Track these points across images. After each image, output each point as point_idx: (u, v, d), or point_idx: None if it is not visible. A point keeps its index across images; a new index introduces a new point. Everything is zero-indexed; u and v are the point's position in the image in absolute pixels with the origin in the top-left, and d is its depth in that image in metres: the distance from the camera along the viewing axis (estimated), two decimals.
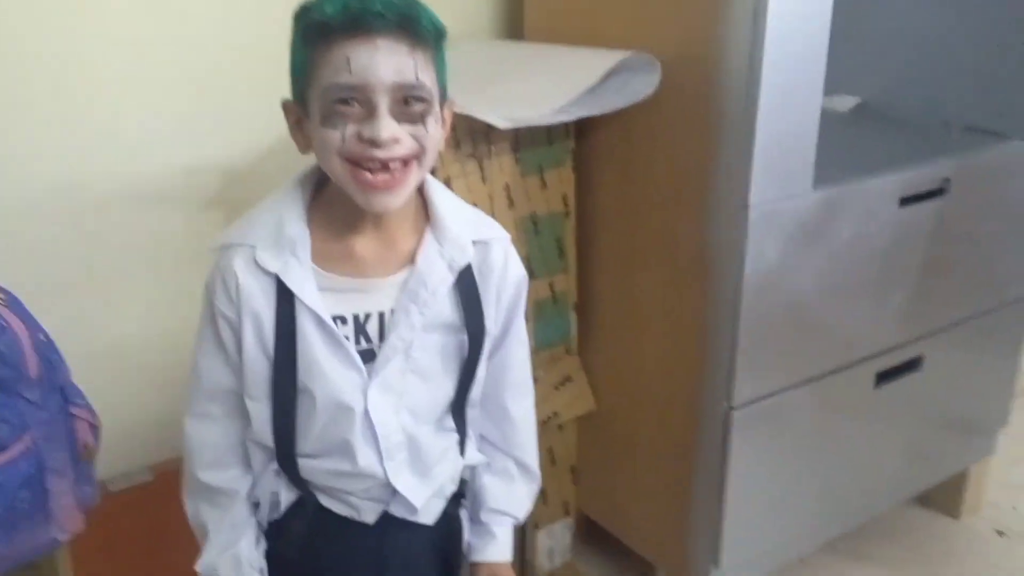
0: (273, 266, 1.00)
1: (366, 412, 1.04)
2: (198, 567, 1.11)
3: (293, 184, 1.05)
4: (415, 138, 0.95)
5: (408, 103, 0.93)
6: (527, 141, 1.69)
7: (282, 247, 1.00)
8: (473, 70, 1.59)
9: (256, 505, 1.13)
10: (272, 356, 1.02)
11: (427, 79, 0.94)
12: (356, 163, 0.94)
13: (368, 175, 0.94)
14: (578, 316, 1.87)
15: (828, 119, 1.55)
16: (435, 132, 0.97)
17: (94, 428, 1.36)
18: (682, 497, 1.75)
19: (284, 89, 1.69)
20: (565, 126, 1.73)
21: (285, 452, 1.07)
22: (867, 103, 2.13)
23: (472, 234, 1.06)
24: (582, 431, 1.97)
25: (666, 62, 1.53)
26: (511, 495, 1.21)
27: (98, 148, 1.56)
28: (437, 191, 1.07)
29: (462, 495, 1.19)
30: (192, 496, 1.13)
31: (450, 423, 1.13)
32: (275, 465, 1.09)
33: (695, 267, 1.61)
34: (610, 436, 1.90)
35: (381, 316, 1.03)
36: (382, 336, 1.04)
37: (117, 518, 1.56)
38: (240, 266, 1.01)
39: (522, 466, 1.22)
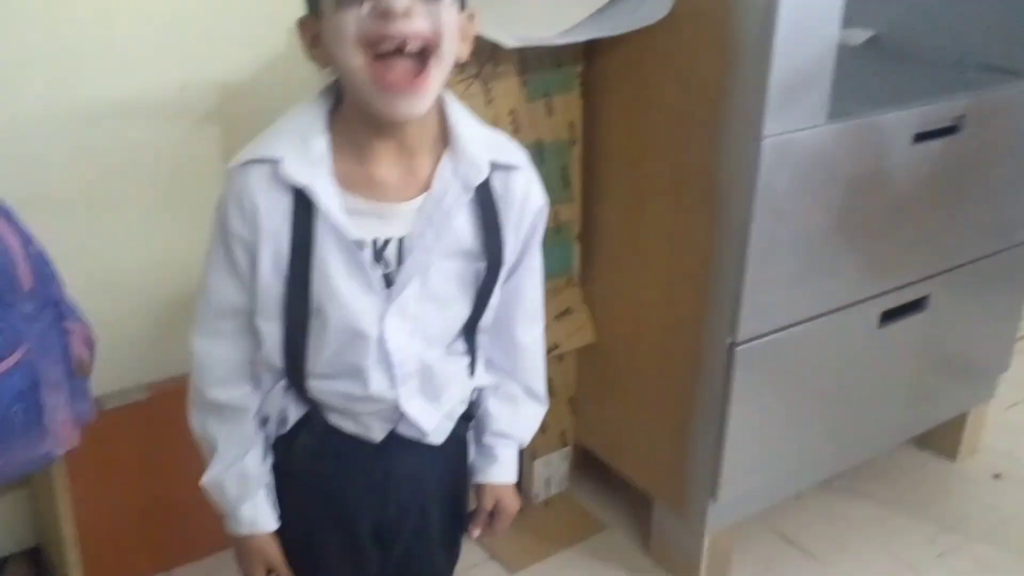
0: (303, 179, 0.95)
1: (381, 338, 1.02)
2: (204, 481, 1.09)
3: (311, 101, 1.01)
4: (430, 18, 0.91)
5: None
6: (534, 64, 1.65)
7: (308, 160, 0.96)
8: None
9: (264, 421, 1.11)
10: (286, 276, 0.99)
11: None
12: (373, 48, 0.90)
13: (388, 73, 0.90)
14: (581, 246, 1.85)
15: (841, 52, 1.51)
16: (451, 22, 0.93)
17: (89, 342, 1.35)
18: (681, 430, 1.75)
19: (280, 3, 1.65)
20: (573, 49, 1.68)
21: (295, 373, 1.05)
22: (880, 37, 2.08)
23: (490, 155, 1.02)
24: (582, 362, 1.96)
25: None
26: (515, 418, 1.19)
27: (89, 60, 1.52)
28: (456, 111, 1.03)
29: (470, 416, 1.18)
30: (199, 412, 1.10)
31: (461, 346, 1.11)
32: (284, 382, 1.07)
33: (703, 198, 1.58)
34: (610, 368, 1.89)
35: (400, 242, 1.01)
36: (400, 262, 1.01)
37: (113, 435, 1.56)
38: (256, 185, 0.97)
39: (529, 390, 1.20)
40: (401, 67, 0.91)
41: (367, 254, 0.99)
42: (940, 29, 1.98)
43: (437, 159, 1.01)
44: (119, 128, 1.57)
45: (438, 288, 1.03)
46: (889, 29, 2.07)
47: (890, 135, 1.66)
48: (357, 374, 1.03)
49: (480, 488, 1.22)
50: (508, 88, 1.63)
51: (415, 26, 0.90)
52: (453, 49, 0.95)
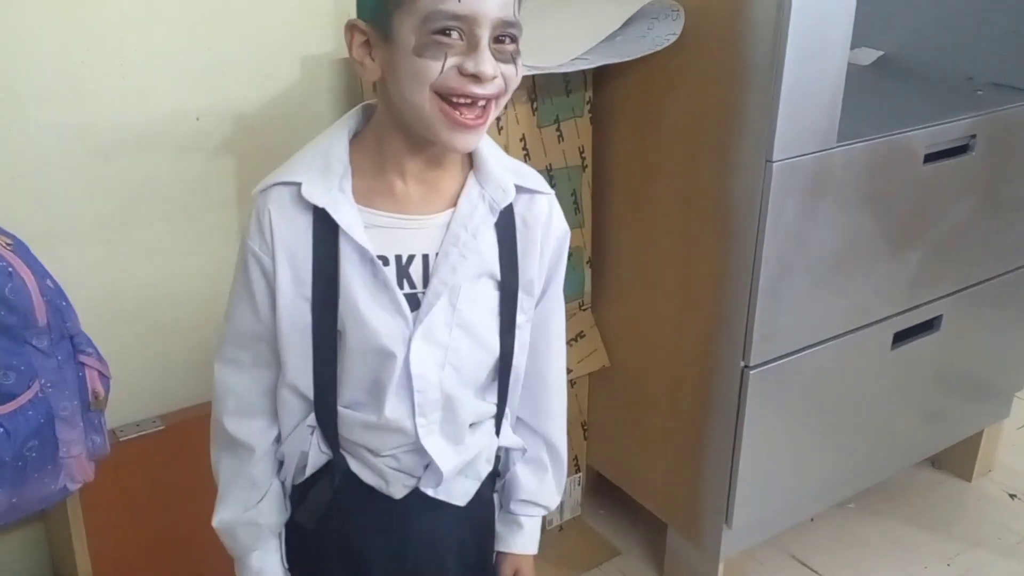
0: (321, 200, 0.95)
1: (406, 360, 0.99)
2: (215, 523, 1.08)
3: (336, 126, 1.02)
4: (505, 77, 0.93)
5: (502, 41, 0.91)
6: (544, 91, 1.65)
7: (330, 182, 0.96)
8: None
9: (280, 464, 1.08)
10: (310, 298, 0.98)
11: (518, 16, 0.92)
12: (446, 98, 0.91)
13: (459, 113, 0.91)
14: (592, 271, 1.85)
15: (850, 72, 1.51)
16: (519, 72, 0.95)
17: (104, 377, 1.34)
18: (695, 455, 1.74)
19: (297, 35, 1.67)
20: (583, 75, 1.69)
21: (324, 401, 1.02)
22: (889, 57, 2.08)
23: (515, 179, 1.03)
24: (594, 387, 1.95)
25: (690, 9, 1.49)
26: (542, 486, 1.17)
27: (104, 93, 1.52)
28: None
29: (497, 475, 1.16)
30: (216, 444, 1.08)
31: (492, 395, 1.09)
32: (311, 420, 1.04)
33: (713, 222, 1.58)
34: (623, 392, 1.89)
35: (425, 259, 1.00)
36: (426, 282, 1.00)
37: (127, 468, 1.55)
38: (277, 206, 0.97)
39: (552, 449, 1.17)
40: (470, 112, 0.92)
41: (391, 270, 0.98)
42: (949, 48, 1.98)
43: (461, 178, 1.02)
44: (134, 161, 1.58)
45: (468, 315, 1.01)
46: (898, 49, 2.07)
47: (901, 155, 1.66)
48: (376, 398, 1.01)
49: (500, 557, 1.19)
50: (519, 115, 1.63)
51: (494, 88, 0.92)
52: (517, 84, 0.97)
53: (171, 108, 1.58)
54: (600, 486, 2.07)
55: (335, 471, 1.05)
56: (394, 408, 1.01)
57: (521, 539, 1.18)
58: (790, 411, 1.72)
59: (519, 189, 1.03)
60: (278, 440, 1.07)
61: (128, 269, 1.63)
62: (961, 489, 2.22)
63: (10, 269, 1.22)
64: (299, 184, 0.96)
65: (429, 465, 1.05)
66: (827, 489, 1.92)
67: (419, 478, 1.06)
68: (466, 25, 0.88)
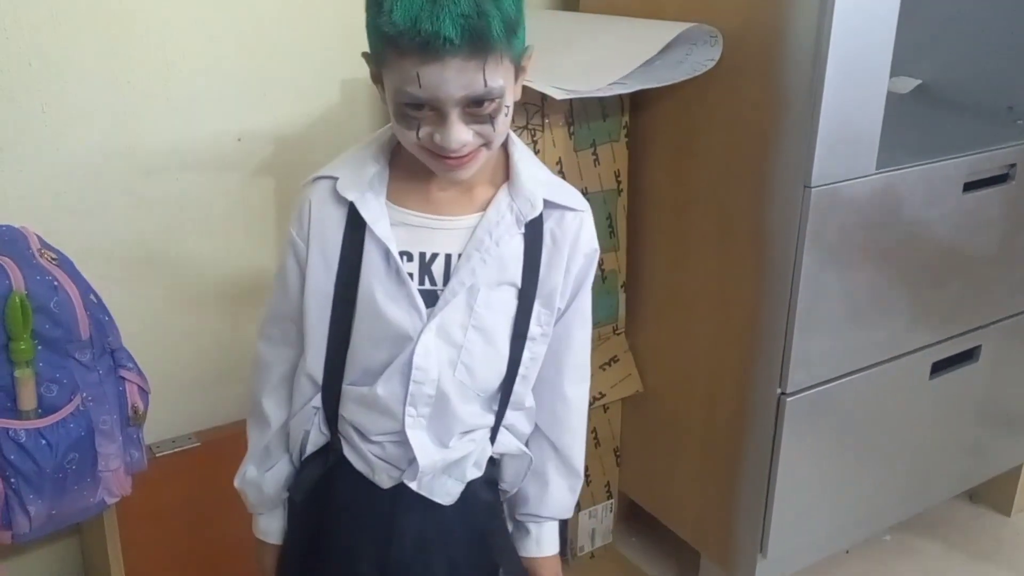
0: (351, 195, 1.02)
1: (412, 350, 1.04)
2: (235, 482, 1.18)
3: (384, 129, 1.08)
4: (482, 135, 0.96)
5: (478, 105, 0.93)
6: (581, 115, 1.66)
7: (361, 179, 1.03)
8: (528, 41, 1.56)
9: (287, 436, 1.16)
10: (333, 285, 1.04)
11: (496, 79, 0.93)
12: (428, 151, 0.97)
13: (441, 162, 0.97)
14: (627, 295, 1.84)
15: (889, 100, 1.50)
16: (503, 123, 0.97)
17: (143, 392, 1.36)
18: (729, 483, 1.72)
19: (336, 58, 1.69)
20: (620, 100, 1.70)
21: (330, 383, 1.09)
22: (928, 85, 2.07)
23: (546, 194, 1.06)
24: (627, 412, 1.94)
25: (728, 34, 1.50)
26: (543, 498, 1.20)
27: (148, 113, 1.55)
28: (519, 150, 1.08)
29: (494, 482, 1.18)
30: (249, 413, 1.18)
31: (494, 405, 1.12)
32: (316, 401, 1.10)
33: (750, 247, 1.57)
34: (656, 419, 1.87)
35: (448, 258, 1.04)
36: (446, 280, 1.04)
37: (163, 483, 1.56)
38: (317, 197, 1.04)
39: (561, 456, 1.20)
40: (454, 160, 0.96)
41: (413, 266, 1.04)
42: (989, 78, 1.97)
43: (495, 187, 1.06)
44: (176, 180, 1.60)
45: (486, 319, 1.06)
46: (937, 77, 2.06)
47: (940, 184, 1.64)
48: (375, 376, 1.06)
49: (524, 560, 1.23)
50: (556, 138, 1.64)
51: (469, 148, 0.96)
52: (506, 129, 0.99)
53: (213, 129, 1.61)
54: (632, 513, 2.05)
55: (330, 452, 1.12)
56: (387, 387, 1.05)
57: (531, 544, 1.22)
58: (827, 439, 1.70)
59: (549, 204, 1.06)
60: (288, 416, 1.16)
61: (168, 286, 1.65)
62: (1000, 524, 2.18)
63: (56, 283, 1.24)
64: (336, 179, 1.03)
65: (412, 460, 1.08)
66: (863, 520, 1.89)
67: (403, 469, 1.10)
68: (431, 104, 0.92)
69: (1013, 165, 1.73)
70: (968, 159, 1.67)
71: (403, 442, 1.08)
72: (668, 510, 1.93)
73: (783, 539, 1.70)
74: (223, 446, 1.62)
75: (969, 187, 1.68)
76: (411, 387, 1.05)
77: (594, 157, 1.71)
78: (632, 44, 1.52)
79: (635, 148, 1.75)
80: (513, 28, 0.92)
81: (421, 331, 1.03)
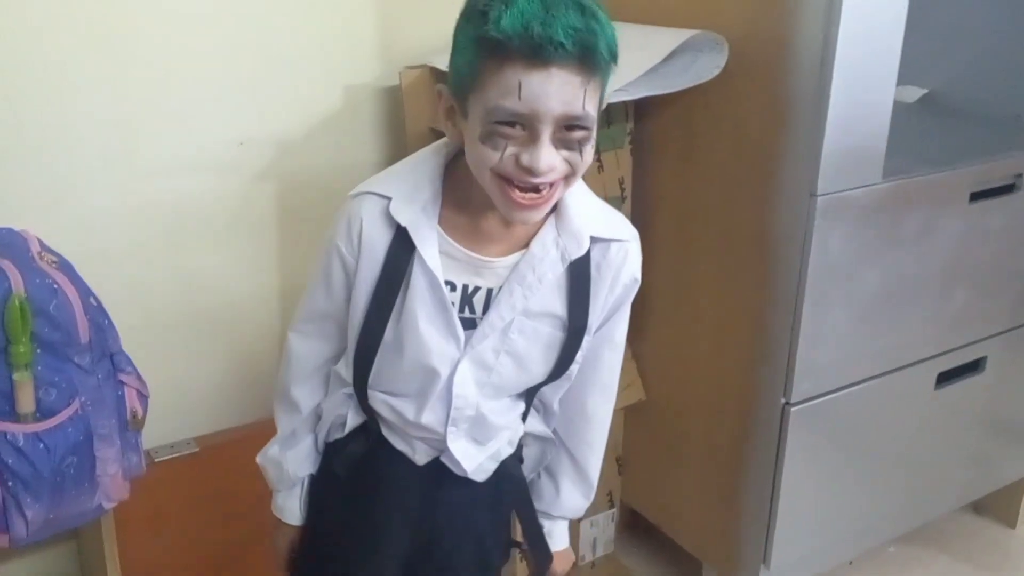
0: (404, 219, 1.01)
1: (450, 379, 1.07)
2: (257, 458, 1.21)
3: (432, 150, 1.06)
4: (569, 163, 0.93)
5: (571, 130, 0.91)
6: None
7: (415, 203, 1.02)
8: None
9: (317, 421, 1.19)
10: (369, 302, 1.05)
11: (592, 107, 0.91)
12: (508, 180, 0.93)
13: (517, 193, 0.93)
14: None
15: (895, 109, 1.50)
16: (589, 155, 0.95)
17: (142, 396, 1.35)
18: (732, 493, 1.71)
19: (339, 64, 1.69)
20: (624, 107, 1.69)
21: (359, 384, 1.12)
22: (934, 94, 2.06)
23: (595, 229, 1.05)
24: (629, 421, 1.93)
25: (734, 42, 1.49)
26: (556, 501, 1.24)
27: (150, 118, 1.55)
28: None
29: (519, 458, 1.21)
30: (275, 398, 1.20)
31: (521, 396, 1.15)
32: (349, 389, 1.13)
33: (755, 256, 1.56)
34: (658, 427, 1.86)
35: (489, 292, 1.05)
36: (486, 309, 1.05)
37: (161, 488, 1.56)
38: (368, 213, 1.03)
39: (576, 464, 1.22)
40: (528, 195, 0.93)
41: (456, 296, 1.04)
42: (996, 87, 1.96)
43: (542, 220, 1.03)
44: (176, 184, 1.60)
45: (518, 345, 1.06)
46: (944, 87, 2.05)
47: (946, 194, 1.63)
48: (416, 403, 1.09)
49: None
50: None
51: (553, 176, 0.93)
52: (588, 165, 0.96)
53: (214, 133, 1.61)
54: (634, 522, 2.04)
55: (369, 432, 1.15)
56: (430, 417, 1.09)
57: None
58: (831, 449, 1.69)
59: (595, 240, 1.05)
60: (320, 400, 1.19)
61: (168, 290, 1.64)
62: (1004, 536, 2.17)
63: (55, 286, 1.23)
64: (389, 199, 1.02)
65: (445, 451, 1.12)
66: (867, 531, 1.87)
67: (442, 452, 1.13)
68: (527, 120, 0.89)
69: (1020, 175, 1.73)
70: (975, 169, 1.66)
71: (442, 441, 1.11)
72: (670, 519, 1.91)
73: (786, 549, 1.69)
74: (222, 452, 1.62)
75: (976, 197, 1.67)
76: (453, 413, 1.09)
77: (598, 164, 1.70)
78: (637, 51, 1.52)
79: (639, 155, 1.74)
80: (614, 57, 0.92)
81: (459, 360, 1.05)
